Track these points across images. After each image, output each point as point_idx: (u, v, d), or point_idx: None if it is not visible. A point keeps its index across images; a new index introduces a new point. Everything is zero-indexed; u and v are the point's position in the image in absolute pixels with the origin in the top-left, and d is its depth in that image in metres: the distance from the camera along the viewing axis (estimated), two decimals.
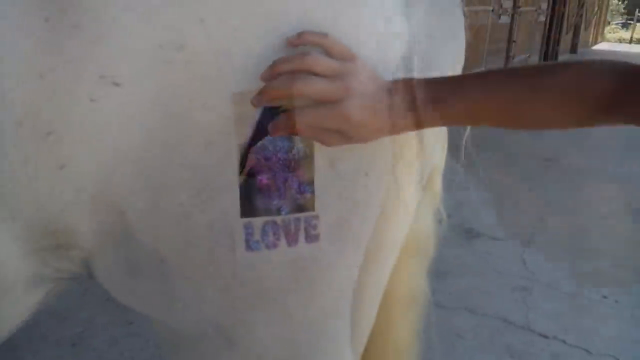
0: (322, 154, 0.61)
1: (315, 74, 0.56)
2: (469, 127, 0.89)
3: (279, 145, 0.59)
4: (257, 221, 0.60)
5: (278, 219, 0.61)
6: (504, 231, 3.40)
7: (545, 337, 2.32)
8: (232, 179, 0.58)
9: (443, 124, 0.60)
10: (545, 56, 13.93)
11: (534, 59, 12.71)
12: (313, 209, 0.62)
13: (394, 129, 0.60)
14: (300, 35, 0.56)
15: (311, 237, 0.63)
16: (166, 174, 0.57)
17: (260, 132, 0.58)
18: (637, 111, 0.55)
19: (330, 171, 0.62)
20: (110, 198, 0.57)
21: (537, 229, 3.50)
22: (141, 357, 2.06)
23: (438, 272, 2.78)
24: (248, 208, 0.60)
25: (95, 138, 0.54)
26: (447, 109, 0.58)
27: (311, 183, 0.61)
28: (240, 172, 0.58)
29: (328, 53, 0.57)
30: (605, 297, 2.68)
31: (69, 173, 0.55)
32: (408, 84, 0.59)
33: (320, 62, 0.56)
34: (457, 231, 3.30)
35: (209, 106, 0.55)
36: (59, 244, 0.60)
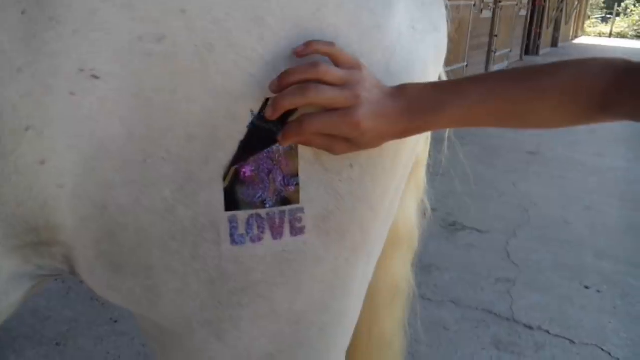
0: (306, 147, 0.61)
1: (325, 83, 0.57)
2: None
3: None
4: (242, 214, 0.60)
5: (263, 212, 0.61)
6: (488, 224, 3.42)
7: (530, 327, 2.34)
8: (216, 173, 0.58)
9: (445, 127, 0.62)
10: (527, 50, 14.05)
11: (516, 53, 12.79)
12: (298, 202, 0.62)
13: (399, 134, 0.61)
14: (307, 44, 0.57)
15: (296, 230, 0.63)
16: (148, 168, 0.56)
17: (254, 141, 0.59)
18: (634, 106, 0.56)
19: (314, 163, 0.62)
20: (92, 193, 0.56)
21: (520, 221, 3.53)
22: (127, 355, 2.05)
23: (423, 265, 2.80)
24: (232, 201, 0.59)
25: (75, 133, 0.54)
26: (449, 113, 0.60)
27: (295, 175, 0.61)
28: (225, 178, 0.58)
29: (335, 62, 0.58)
30: (587, 287, 2.72)
31: (49, 168, 0.54)
32: (411, 90, 0.61)
33: (331, 72, 0.57)
34: (442, 224, 3.32)
35: (191, 99, 0.55)
36: (41, 240, 0.59)
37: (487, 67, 10.57)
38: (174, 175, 0.57)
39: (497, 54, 10.92)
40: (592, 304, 2.56)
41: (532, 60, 13.59)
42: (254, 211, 0.60)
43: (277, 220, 0.62)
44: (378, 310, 1.02)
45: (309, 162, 0.61)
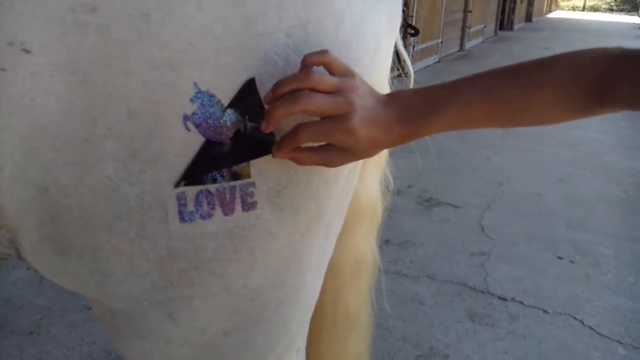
0: None
1: (318, 92, 0.56)
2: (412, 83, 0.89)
3: (209, 111, 0.57)
4: (190, 191, 0.58)
5: (212, 187, 0.59)
6: (462, 199, 3.45)
7: (504, 299, 2.38)
8: (160, 149, 0.56)
9: (440, 131, 0.61)
10: (501, 25, 14.10)
11: (490, 29, 12.82)
12: (249, 177, 0.61)
13: (394, 141, 0.61)
14: (303, 62, 0.56)
15: (248, 206, 0.61)
16: (90, 147, 0.54)
17: (245, 150, 0.59)
18: (629, 93, 0.55)
19: None
20: (32, 174, 0.54)
21: (494, 195, 3.56)
22: (101, 341, 2.04)
23: (399, 242, 2.82)
24: (180, 177, 0.58)
25: (9, 111, 0.51)
26: (443, 117, 0.59)
27: None
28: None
29: (329, 70, 0.58)
30: (560, 258, 2.76)
31: None
32: (402, 96, 0.61)
33: (324, 80, 0.56)
34: (417, 201, 3.33)
35: (130, 72, 0.53)
36: None
37: (461, 43, 10.60)
38: (116, 153, 0.55)
39: (472, 29, 10.95)
40: (565, 274, 2.60)
41: (506, 35, 13.63)
42: (203, 187, 0.59)
43: (228, 196, 0.60)
44: (342, 286, 1.01)
45: None
